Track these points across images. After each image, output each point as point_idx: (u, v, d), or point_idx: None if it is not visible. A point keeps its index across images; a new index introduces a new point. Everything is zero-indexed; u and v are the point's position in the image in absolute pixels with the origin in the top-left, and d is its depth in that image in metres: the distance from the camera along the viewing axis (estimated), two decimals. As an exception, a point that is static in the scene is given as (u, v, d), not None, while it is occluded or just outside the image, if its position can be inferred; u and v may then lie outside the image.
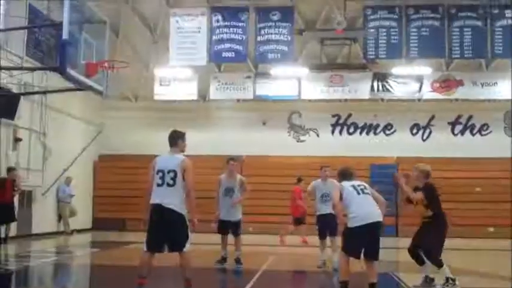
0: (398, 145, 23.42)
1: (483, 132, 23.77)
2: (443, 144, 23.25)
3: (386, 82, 22.61)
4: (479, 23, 20.84)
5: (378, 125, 24.26)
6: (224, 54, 21.34)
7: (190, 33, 21.17)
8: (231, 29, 21.20)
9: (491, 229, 21.51)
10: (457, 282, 8.53)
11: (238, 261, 11.21)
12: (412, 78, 22.54)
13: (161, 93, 23.17)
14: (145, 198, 7.48)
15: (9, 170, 16.53)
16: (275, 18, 21.18)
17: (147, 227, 7.34)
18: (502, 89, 21.98)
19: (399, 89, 22.65)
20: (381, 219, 7.64)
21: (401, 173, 9.50)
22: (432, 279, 8.91)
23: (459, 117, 23.89)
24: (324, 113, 24.16)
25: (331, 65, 22.58)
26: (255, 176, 22.49)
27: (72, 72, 9.34)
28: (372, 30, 20.80)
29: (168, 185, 7.30)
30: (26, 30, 17.73)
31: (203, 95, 23.90)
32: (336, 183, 9.56)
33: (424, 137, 24.00)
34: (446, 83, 22.52)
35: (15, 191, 16.49)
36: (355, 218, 7.61)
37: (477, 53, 21.24)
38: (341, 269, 7.94)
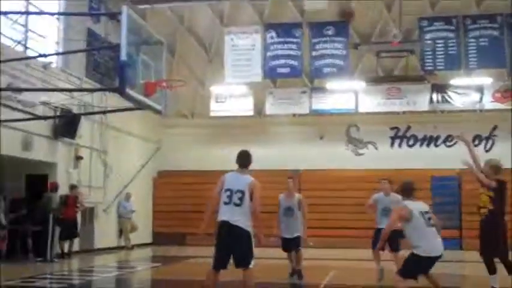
0: (460, 157, 22.82)
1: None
2: (507, 154, 22.56)
3: (446, 93, 22.18)
4: (539, 31, 20.32)
5: (438, 137, 23.77)
6: (279, 70, 21.42)
7: (245, 50, 21.37)
8: (285, 45, 21.29)
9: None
10: None
11: (299, 275, 11.22)
12: (472, 89, 22.04)
13: (217, 109, 23.38)
14: (207, 212, 7.77)
15: (72, 187, 16.96)
16: (329, 33, 21.15)
17: (215, 243, 7.58)
18: None
19: (459, 100, 22.17)
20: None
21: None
22: None
23: (523, 127, 23.22)
24: (382, 125, 23.86)
25: (388, 77, 22.33)
26: (312, 190, 22.43)
27: (131, 92, 9.50)
28: (429, 41, 20.49)
29: (235, 204, 7.58)
30: (85, 53, 18.24)
31: (259, 111, 23.99)
32: (398, 199, 9.70)
33: (487, 148, 23.37)
34: (508, 93, 21.91)
35: (78, 207, 16.90)
36: (422, 249, 7.56)
37: (539, 62, 20.66)
38: None
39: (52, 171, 17.11)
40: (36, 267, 14.27)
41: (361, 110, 22.83)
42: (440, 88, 22.26)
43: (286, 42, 21.30)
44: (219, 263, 7.55)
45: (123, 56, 9.12)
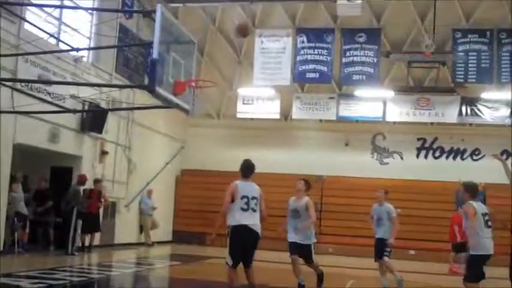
0: (486, 171, 22.52)
1: None
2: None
3: (475, 106, 21.89)
4: None
5: (465, 150, 23.51)
6: (308, 75, 21.31)
7: (274, 53, 21.31)
8: (316, 50, 21.18)
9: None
10: None
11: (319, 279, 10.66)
12: (502, 103, 21.72)
13: (244, 111, 23.36)
14: (220, 218, 8.26)
15: (96, 181, 17.04)
16: (361, 40, 21.01)
17: (230, 245, 8.07)
18: None
19: (489, 114, 21.87)
20: None
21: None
22: None
23: (553, 143, 22.84)
24: (409, 135, 23.66)
25: (418, 87, 22.12)
26: (335, 196, 22.37)
27: (161, 90, 9.47)
28: (461, 53, 20.26)
29: (253, 210, 8.19)
30: (116, 48, 18.33)
31: (285, 114, 23.94)
32: (390, 209, 11.22)
33: (515, 163, 23.02)
34: (539, 108, 21.58)
35: (102, 202, 16.97)
36: (481, 247, 7.98)
37: None
38: None
39: (77, 165, 17.21)
40: (57, 259, 14.35)
41: (388, 119, 22.64)
42: (470, 101, 21.99)
43: (317, 47, 21.18)
44: (238, 262, 8.07)
45: (155, 54, 9.09)
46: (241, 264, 8.17)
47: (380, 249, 11.11)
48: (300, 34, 21.51)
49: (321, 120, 23.96)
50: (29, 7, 14.21)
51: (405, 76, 21.61)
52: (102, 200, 16.96)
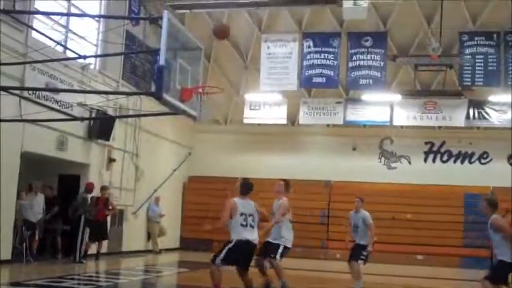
0: (495, 174, 22.46)
1: None
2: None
3: (483, 109, 21.78)
4: None
5: (473, 153, 23.40)
6: (315, 80, 21.26)
7: (281, 58, 21.27)
8: (322, 54, 21.12)
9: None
10: None
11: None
12: (510, 106, 21.59)
13: (251, 117, 23.31)
14: (217, 225, 9.02)
15: (103, 188, 17.01)
16: (367, 44, 20.94)
17: (227, 253, 8.72)
18: None
19: (496, 117, 21.76)
20: None
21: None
22: None
23: (561, 147, 22.71)
24: (417, 140, 23.58)
25: (425, 91, 22.05)
26: (343, 202, 22.18)
27: (168, 97, 9.45)
28: (468, 56, 20.18)
29: (251, 226, 8.86)
30: (123, 55, 18.35)
31: (292, 120, 23.90)
32: (365, 216, 11.72)
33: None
34: (547, 110, 21.46)
35: (110, 210, 16.91)
36: (509, 256, 8.36)
37: None
38: None
39: (85, 172, 17.22)
40: (65, 267, 14.34)
41: (395, 123, 22.56)
42: (478, 104, 21.89)
43: (323, 52, 21.13)
44: (228, 264, 8.79)
45: (162, 61, 9.08)
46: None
47: (357, 252, 11.60)
48: (306, 39, 21.46)
49: (328, 125, 23.90)
50: (36, 15, 14.24)
51: (412, 80, 21.54)
52: (110, 207, 16.92)
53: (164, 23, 8.97)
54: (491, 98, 21.48)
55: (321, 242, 22.41)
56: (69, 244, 15.68)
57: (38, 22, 14.73)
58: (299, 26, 22.03)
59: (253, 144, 23.84)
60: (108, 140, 17.63)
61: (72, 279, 12.42)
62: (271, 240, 10.51)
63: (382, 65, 20.86)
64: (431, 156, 23.77)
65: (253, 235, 8.88)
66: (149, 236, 21.14)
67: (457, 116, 21.92)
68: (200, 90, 10.64)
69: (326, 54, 21.10)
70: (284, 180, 11.06)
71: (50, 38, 14.66)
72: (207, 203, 23.16)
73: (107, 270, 15.25)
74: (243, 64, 23.44)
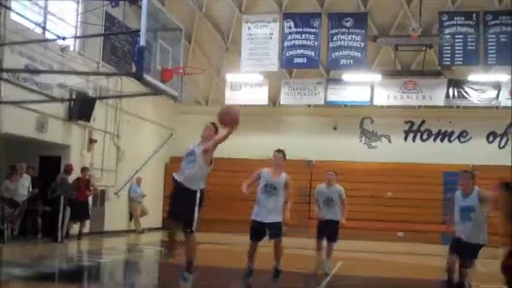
0: (474, 153, 22.76)
1: None
2: (521, 152, 22.41)
3: (462, 89, 21.99)
4: (560, 29, 20.08)
5: (452, 132, 23.67)
6: (296, 60, 21.29)
7: (262, 39, 21.26)
8: (303, 35, 21.15)
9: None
10: None
11: (276, 273, 9.38)
12: (489, 85, 21.83)
13: (232, 98, 23.28)
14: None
15: (83, 169, 17.03)
16: (348, 24, 20.99)
17: None
18: None
19: (476, 96, 21.98)
20: None
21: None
22: None
23: (538, 125, 23.04)
24: (397, 119, 23.78)
25: (405, 71, 22.21)
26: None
27: (148, 77, 9.49)
28: (448, 36, 20.32)
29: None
30: (103, 37, 18.24)
31: (274, 100, 23.96)
32: (340, 190, 11.22)
33: (501, 145, 23.24)
34: (525, 90, 21.71)
35: (91, 190, 16.98)
36: None
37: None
38: None
39: (65, 154, 17.18)
40: (47, 247, 14.37)
41: (376, 102, 22.72)
42: (457, 83, 22.09)
43: (304, 33, 21.16)
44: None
45: (142, 42, 9.11)
46: None
47: (335, 231, 11.22)
48: (287, 19, 21.44)
49: (309, 105, 24.01)
50: (13, -4, 14.12)
51: (392, 60, 21.67)
52: (91, 188, 16.96)
53: (144, 3, 8.99)
54: (471, 77, 21.68)
55: (300, 219, 22.62)
56: (50, 225, 15.68)
57: (16, 4, 14.58)
58: (279, 6, 22.01)
59: (234, 124, 23.86)
60: (88, 121, 17.57)
61: (54, 258, 12.46)
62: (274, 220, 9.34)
63: (362, 45, 20.93)
64: (411, 135, 24.01)
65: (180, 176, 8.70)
66: (131, 216, 21.20)
67: (436, 95, 22.11)
68: (181, 70, 10.69)
69: (307, 35, 21.12)
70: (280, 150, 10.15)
71: (29, 20, 14.54)
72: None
73: (90, 250, 15.32)
74: (224, 45, 23.39)
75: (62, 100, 15.59)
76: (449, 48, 20.46)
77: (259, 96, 23.06)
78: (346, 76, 22.03)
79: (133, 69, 12.54)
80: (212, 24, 22.89)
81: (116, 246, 16.28)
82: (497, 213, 6.89)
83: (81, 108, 17.00)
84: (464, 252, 8.43)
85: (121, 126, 19.90)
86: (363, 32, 20.97)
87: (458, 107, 23.02)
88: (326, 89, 22.76)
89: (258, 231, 9.34)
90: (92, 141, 18.29)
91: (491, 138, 23.39)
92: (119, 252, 14.94)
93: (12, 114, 14.08)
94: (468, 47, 20.40)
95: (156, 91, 10.70)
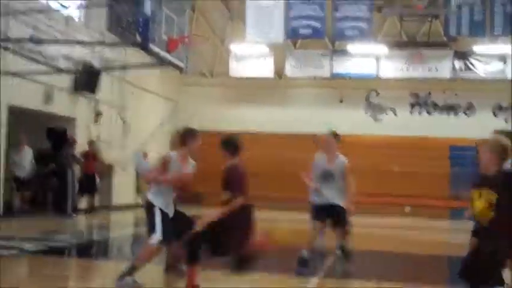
0: (480, 126, 22.67)
1: None
2: (527, 124, 22.34)
3: (468, 61, 21.87)
4: None
5: (458, 105, 23.56)
6: (301, 31, 21.08)
7: (267, 9, 21.06)
8: (308, 5, 20.92)
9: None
10: None
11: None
12: (495, 57, 21.70)
13: (237, 69, 23.24)
14: None
15: (90, 143, 17.01)
16: (354, -6, 20.81)
17: None
18: None
19: (482, 68, 21.86)
20: None
21: None
22: None
23: (545, 97, 22.92)
24: (403, 91, 23.66)
25: (410, 42, 22.06)
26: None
27: (154, 47, 9.47)
28: (454, 6, 20.12)
29: None
30: (107, 7, 18.08)
31: (279, 72, 23.85)
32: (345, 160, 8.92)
33: (507, 118, 23.14)
34: (532, 62, 21.56)
35: (98, 163, 16.89)
36: None
37: None
38: None
39: (71, 126, 17.18)
40: (56, 221, 14.41)
41: (382, 75, 22.60)
42: (463, 55, 21.96)
43: (310, 3, 20.95)
44: None
45: (148, 11, 9.07)
46: None
47: (343, 216, 8.61)
48: (292, -11, 21.23)
49: (314, 78, 23.90)
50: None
51: (398, 31, 21.50)
52: (99, 161, 16.89)
53: (149, -29, 8.91)
54: (476, 48, 21.51)
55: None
56: (58, 199, 15.71)
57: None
58: (285, -24, 21.78)
59: (240, 97, 23.83)
60: (94, 93, 17.51)
61: (64, 233, 12.52)
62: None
63: (368, 16, 20.72)
64: (417, 108, 23.91)
65: None
66: (138, 190, 21.24)
67: (442, 67, 22.00)
68: (186, 40, 10.65)
69: (312, 6, 20.85)
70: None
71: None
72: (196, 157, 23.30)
73: (99, 224, 15.37)
74: (228, 15, 23.23)
75: (66, 71, 15.54)
76: (455, 18, 20.28)
77: (264, 68, 22.97)
78: (352, 47, 21.89)
79: (139, 39, 12.48)
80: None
81: (124, 220, 16.36)
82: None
83: (86, 79, 16.94)
84: None
85: (126, 99, 19.85)
86: (369, 2, 20.75)
87: (464, 79, 22.87)
88: (332, 60, 22.65)
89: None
90: (98, 114, 18.25)
91: (497, 111, 23.29)
92: (126, 226, 15.02)
93: (19, 87, 14.07)
94: (475, 18, 20.20)
95: (161, 61, 10.68)
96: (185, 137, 6.99)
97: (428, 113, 23.86)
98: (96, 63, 17.13)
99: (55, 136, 17.02)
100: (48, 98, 15.58)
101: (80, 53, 15.76)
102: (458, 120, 23.39)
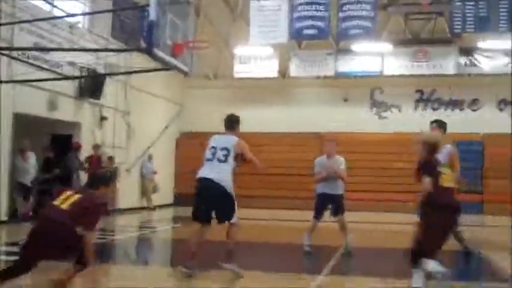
0: (485, 121, 22.64)
1: None
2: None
3: (473, 56, 21.81)
4: None
5: (463, 101, 23.49)
6: (306, 32, 21.03)
7: (271, 11, 21.02)
8: (312, 6, 20.84)
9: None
10: None
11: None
12: (499, 53, 21.61)
13: (241, 71, 23.20)
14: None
15: (95, 147, 17.03)
16: (358, -7, 20.76)
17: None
18: None
19: (486, 64, 21.79)
20: None
21: None
22: None
23: (550, 91, 22.83)
24: (407, 88, 23.60)
25: (415, 40, 22.00)
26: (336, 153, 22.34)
27: (159, 52, 9.43)
28: (458, 3, 20.07)
29: (219, 160, 7.74)
30: (111, 13, 18.11)
31: (283, 72, 23.80)
32: (341, 161, 10.32)
33: (512, 113, 23.08)
34: (536, 57, 21.48)
35: (103, 168, 16.90)
36: None
37: None
38: None
39: (77, 132, 17.18)
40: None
41: (386, 72, 22.52)
42: (468, 51, 21.89)
43: (314, 3, 20.84)
44: (196, 217, 7.75)
45: (152, 16, 9.02)
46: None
47: (342, 203, 10.42)
48: (296, -10, 21.19)
49: (319, 77, 23.85)
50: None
51: (402, 29, 21.44)
52: (105, 166, 16.91)
53: (153, -23, 8.88)
54: (481, 44, 21.45)
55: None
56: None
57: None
58: (288, -23, 21.72)
59: (244, 98, 23.78)
60: (98, 98, 17.53)
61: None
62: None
63: (372, 14, 20.65)
64: (421, 105, 23.85)
65: (212, 172, 7.66)
66: (143, 193, 21.25)
67: (447, 63, 21.93)
68: (191, 44, 10.61)
69: (316, 6, 20.78)
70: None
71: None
72: (199, 159, 23.21)
73: (103, 228, 15.32)
74: (232, 18, 23.20)
75: (71, 78, 15.56)
76: (460, 15, 20.20)
77: (268, 68, 22.95)
78: (356, 46, 21.85)
79: (143, 45, 12.48)
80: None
81: (130, 224, 16.35)
82: None
83: (91, 85, 16.95)
84: None
85: (131, 103, 19.86)
86: (373, 0, 20.69)
87: (469, 74, 22.80)
88: (336, 60, 22.59)
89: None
90: (102, 119, 18.26)
91: (502, 106, 23.23)
92: (131, 229, 15.00)
93: (24, 94, 14.08)
94: (480, 14, 20.13)
95: (166, 66, 10.64)
96: None
97: (434, 109, 23.78)
98: (101, 69, 17.14)
99: (60, 142, 17.02)
100: (52, 104, 15.56)
101: (84, 59, 15.72)
102: (464, 116, 23.30)
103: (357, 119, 23.42)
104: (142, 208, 20.84)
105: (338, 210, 10.27)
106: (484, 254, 10.37)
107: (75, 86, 16.70)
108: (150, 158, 21.14)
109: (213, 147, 7.87)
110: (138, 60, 16.47)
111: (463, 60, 21.85)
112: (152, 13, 9.08)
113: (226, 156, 7.73)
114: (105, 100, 18.12)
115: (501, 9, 20.04)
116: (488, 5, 20.10)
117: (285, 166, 21.67)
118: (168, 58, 10.09)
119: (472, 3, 20.14)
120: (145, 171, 21.02)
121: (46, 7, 15.45)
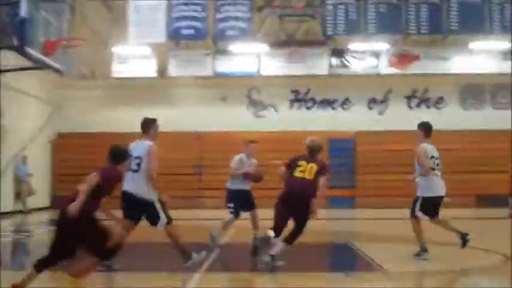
0: (356, 119, 23.76)
1: (438, 106, 24.25)
2: (400, 117, 23.59)
3: (344, 58, 22.86)
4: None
5: (335, 100, 24.48)
6: (183, 32, 21.24)
7: (149, 10, 21.00)
8: (190, 6, 21.08)
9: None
10: None
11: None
12: (369, 54, 22.82)
13: (120, 70, 22.98)
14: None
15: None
16: (235, -5, 21.17)
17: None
18: (456, 63, 22.65)
19: (357, 65, 22.93)
20: None
21: None
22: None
23: (415, 91, 24.34)
24: (283, 88, 24.29)
25: (290, 41, 22.73)
26: (213, 152, 22.64)
27: (30, 50, 9.26)
28: (330, 6, 20.98)
29: (133, 171, 7.83)
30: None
31: (162, 72, 23.78)
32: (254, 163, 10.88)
33: (381, 111, 24.39)
34: (403, 58, 22.85)
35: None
36: None
37: (433, 29, 21.74)
38: None
39: None
40: None
41: (263, 73, 23.11)
42: (339, 53, 22.89)
43: (192, 4, 21.09)
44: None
45: (24, 13, 8.87)
46: None
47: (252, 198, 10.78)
48: (173, -10, 21.28)
49: (197, 77, 24.01)
50: None
51: (278, 30, 22.06)
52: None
53: (24, -27, 8.72)
54: (352, 46, 22.52)
55: (194, 192, 22.87)
56: None
57: None
58: (166, -22, 21.76)
59: (124, 98, 23.56)
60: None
61: None
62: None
63: (248, 16, 21.18)
64: (296, 104, 24.60)
65: (128, 184, 7.79)
66: (18, 196, 20.54)
67: (320, 64, 22.84)
68: (64, 42, 10.48)
69: (194, 6, 21.06)
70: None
71: None
72: (79, 160, 22.73)
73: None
74: (110, 17, 22.87)
75: None
76: (331, 18, 21.13)
77: (147, 68, 22.87)
78: (234, 47, 22.26)
79: (15, 42, 12.13)
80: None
81: (3, 228, 15.76)
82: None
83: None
84: None
85: (4, 103, 19.09)
86: (249, 2, 21.21)
87: (341, 75, 23.81)
88: (214, 60, 22.89)
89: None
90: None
91: (372, 105, 24.45)
92: (6, 233, 14.48)
93: None
94: (349, 17, 21.17)
95: (39, 65, 10.45)
96: None
97: (308, 108, 24.60)
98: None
99: None
100: None
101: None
102: (336, 114, 24.30)
103: (235, 119, 23.78)
104: (18, 212, 20.14)
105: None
106: (353, 245, 10.97)
107: None
108: (24, 160, 20.44)
109: (130, 155, 7.75)
110: (11, 58, 15.89)
111: (335, 61, 22.84)
112: (23, 10, 8.93)
113: (139, 165, 7.83)
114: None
115: (369, 13, 21.22)
116: (357, 8, 21.18)
117: (164, 165, 21.62)
118: (40, 56, 9.94)
119: (342, 6, 21.15)
120: (19, 173, 20.31)
121: None
